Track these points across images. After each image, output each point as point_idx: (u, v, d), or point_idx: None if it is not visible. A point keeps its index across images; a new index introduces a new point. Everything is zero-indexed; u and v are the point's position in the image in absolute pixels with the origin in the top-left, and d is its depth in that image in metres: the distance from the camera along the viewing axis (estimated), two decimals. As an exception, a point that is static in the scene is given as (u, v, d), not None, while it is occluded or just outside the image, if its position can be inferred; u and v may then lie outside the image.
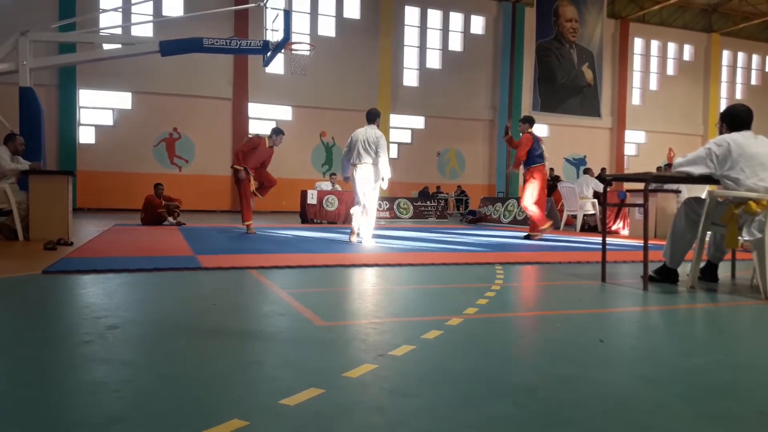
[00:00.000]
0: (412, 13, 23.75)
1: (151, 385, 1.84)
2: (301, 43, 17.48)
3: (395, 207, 15.80)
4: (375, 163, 7.41)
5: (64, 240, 6.53)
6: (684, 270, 4.37)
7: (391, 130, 22.89)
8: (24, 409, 1.60)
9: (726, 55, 29.34)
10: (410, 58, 23.79)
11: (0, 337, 2.48)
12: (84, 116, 19.66)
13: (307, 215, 13.38)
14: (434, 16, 24.08)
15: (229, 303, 3.34)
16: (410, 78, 23.77)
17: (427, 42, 24.00)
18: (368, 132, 7.44)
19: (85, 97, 19.58)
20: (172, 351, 2.27)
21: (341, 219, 13.41)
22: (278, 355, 2.22)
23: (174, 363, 2.10)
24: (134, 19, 19.30)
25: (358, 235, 7.65)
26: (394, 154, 23.28)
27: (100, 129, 19.76)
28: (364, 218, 7.46)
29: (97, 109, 19.75)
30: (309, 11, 21.89)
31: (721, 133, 4.23)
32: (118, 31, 15.46)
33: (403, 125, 23.69)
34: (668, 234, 4.40)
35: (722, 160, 4.00)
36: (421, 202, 16.93)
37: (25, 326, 2.64)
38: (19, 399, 1.69)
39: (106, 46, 12.36)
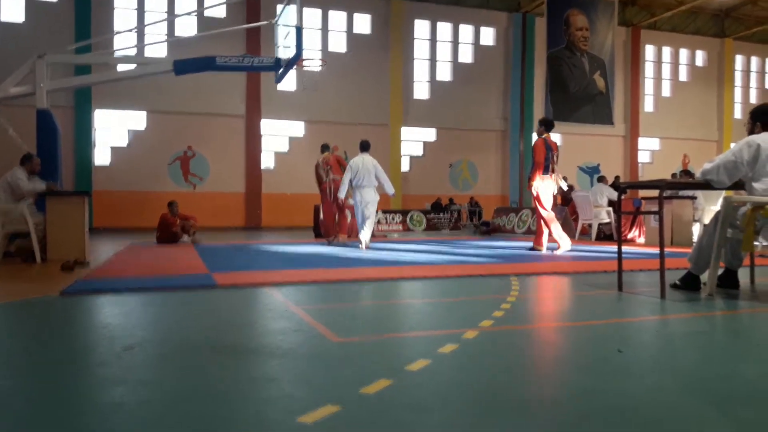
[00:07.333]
0: (422, 27, 23.86)
1: (168, 405, 1.85)
2: (313, 59, 17.63)
3: (408, 220, 15.80)
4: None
5: (81, 260, 6.59)
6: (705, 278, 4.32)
7: (402, 143, 22.96)
8: (43, 431, 1.61)
9: (739, 59, 29.12)
10: (421, 70, 23.87)
11: (19, 359, 2.50)
12: (99, 136, 19.94)
13: (320, 230, 13.39)
14: (444, 28, 24.18)
15: (245, 320, 3.35)
16: (421, 91, 23.84)
17: (438, 54, 24.08)
18: (366, 159, 9.41)
19: (101, 117, 19.86)
20: (188, 370, 2.28)
21: (354, 233, 13.41)
22: (294, 372, 2.23)
23: (191, 382, 2.11)
24: (148, 39, 19.58)
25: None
26: (406, 167, 23.30)
27: (115, 149, 20.02)
28: (369, 228, 9.53)
29: (113, 129, 20.02)
30: (320, 27, 22.09)
31: (750, 132, 4.17)
32: (133, 51, 15.71)
33: (415, 138, 23.72)
34: (696, 240, 4.32)
35: (752, 162, 3.95)
36: (434, 214, 16.94)
37: (44, 348, 2.66)
38: (38, 420, 1.70)
39: (121, 67, 12.54)
